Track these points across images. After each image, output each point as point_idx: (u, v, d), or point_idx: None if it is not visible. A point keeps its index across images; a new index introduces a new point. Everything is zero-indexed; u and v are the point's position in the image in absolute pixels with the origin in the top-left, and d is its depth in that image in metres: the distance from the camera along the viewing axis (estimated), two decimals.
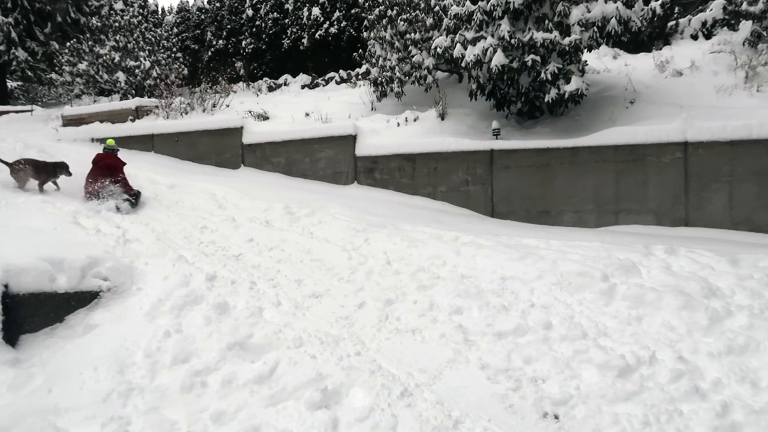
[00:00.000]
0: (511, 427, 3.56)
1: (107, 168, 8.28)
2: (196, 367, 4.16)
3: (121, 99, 14.48)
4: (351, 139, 10.29)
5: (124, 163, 8.59)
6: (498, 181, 8.96)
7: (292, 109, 12.63)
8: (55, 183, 8.22)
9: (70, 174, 8.22)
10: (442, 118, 10.46)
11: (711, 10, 11.13)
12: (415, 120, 10.69)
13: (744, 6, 9.97)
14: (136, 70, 14.93)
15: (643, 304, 4.91)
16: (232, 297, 5.29)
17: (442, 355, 4.36)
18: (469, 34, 9.39)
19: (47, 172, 8.07)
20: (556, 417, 3.66)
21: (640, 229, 7.78)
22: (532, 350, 4.36)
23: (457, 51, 9.38)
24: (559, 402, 3.78)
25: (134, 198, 8.10)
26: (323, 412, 3.65)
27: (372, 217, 7.94)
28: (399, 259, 6.31)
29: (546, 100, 8.96)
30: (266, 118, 12.08)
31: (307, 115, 12.06)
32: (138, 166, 10.24)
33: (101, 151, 8.87)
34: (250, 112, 12.20)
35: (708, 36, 11.10)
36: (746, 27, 9.90)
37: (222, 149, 11.43)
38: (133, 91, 14.88)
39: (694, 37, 11.36)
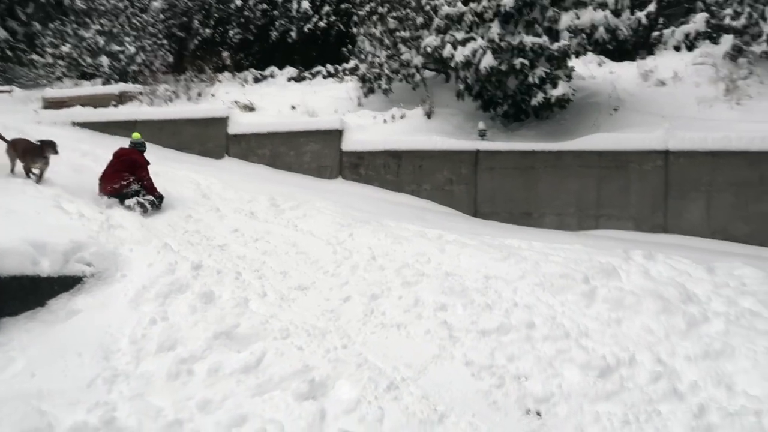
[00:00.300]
0: (495, 423, 3.63)
1: (130, 164, 7.51)
2: (182, 355, 4.15)
3: (103, 84, 14.21)
4: (337, 134, 10.30)
5: (149, 162, 7.81)
6: (482, 181, 9.06)
7: (279, 101, 12.57)
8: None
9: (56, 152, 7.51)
10: (429, 117, 10.52)
11: (694, 22, 11.39)
12: (401, 117, 10.73)
13: (726, 20, 10.22)
14: (121, 55, 14.68)
15: (622, 307, 5.03)
16: (218, 287, 5.28)
17: (427, 351, 4.41)
18: (459, 35, 9.47)
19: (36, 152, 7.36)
20: (539, 414, 3.74)
21: (620, 234, 7.94)
22: (516, 348, 4.43)
23: (447, 51, 9.45)
24: (542, 399, 3.86)
25: (158, 200, 7.47)
26: (310, 403, 3.68)
27: (356, 213, 7.96)
28: (384, 254, 6.34)
29: (533, 103, 9.09)
30: (252, 109, 12.01)
31: (294, 108, 12.01)
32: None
33: (126, 146, 7.97)
34: (236, 102, 12.11)
35: (690, 48, 11.35)
36: (727, 41, 10.15)
37: (206, 139, 11.34)
38: (117, 77, 14.62)
39: (677, 49, 11.61)
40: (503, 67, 8.97)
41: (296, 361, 4.11)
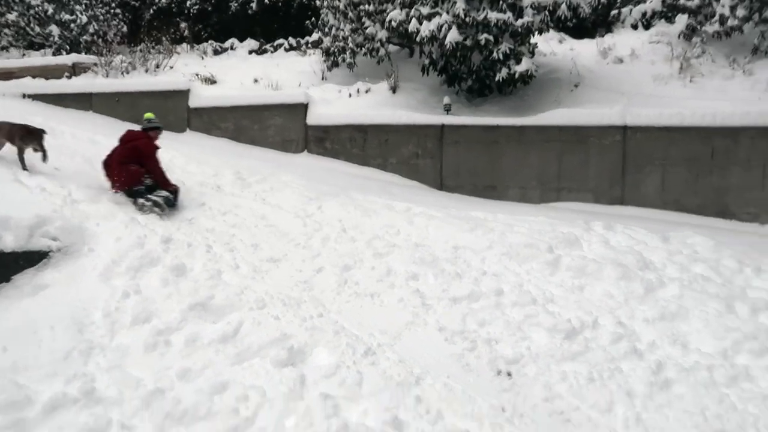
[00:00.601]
0: (469, 383, 3.79)
1: (133, 151, 6.47)
2: (158, 326, 4.15)
3: (54, 54, 13.61)
4: (302, 108, 10.22)
5: (157, 147, 6.78)
6: (447, 155, 9.18)
7: (240, 74, 12.33)
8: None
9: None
10: (394, 92, 10.54)
11: (651, 1, 11.68)
12: (366, 92, 10.72)
13: (681, 0, 10.54)
14: (72, 25, 14.06)
15: (585, 274, 5.27)
16: (189, 259, 5.25)
17: (401, 318, 4.54)
18: (425, 10, 9.47)
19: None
20: (509, 374, 3.92)
21: (581, 206, 8.22)
22: (486, 314, 4.61)
23: (413, 26, 9.45)
24: (512, 361, 4.04)
25: (174, 196, 6.54)
26: (290, 369, 3.76)
27: (324, 186, 7.99)
28: (354, 227, 6.42)
29: (497, 79, 9.22)
30: (213, 82, 11.75)
31: (256, 81, 11.82)
32: (76, 126, 9.78)
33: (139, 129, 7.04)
34: (196, 75, 11.82)
35: (647, 26, 11.66)
36: (682, 20, 10.48)
37: (166, 112, 11.01)
38: (68, 47, 14.01)
39: (635, 27, 11.91)
40: (468, 43, 9.04)
41: (274, 330, 4.17)
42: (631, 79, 9.60)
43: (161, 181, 6.54)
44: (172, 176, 7.86)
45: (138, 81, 11.78)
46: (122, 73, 12.35)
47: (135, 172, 6.37)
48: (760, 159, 7.50)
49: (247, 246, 5.80)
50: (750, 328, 4.28)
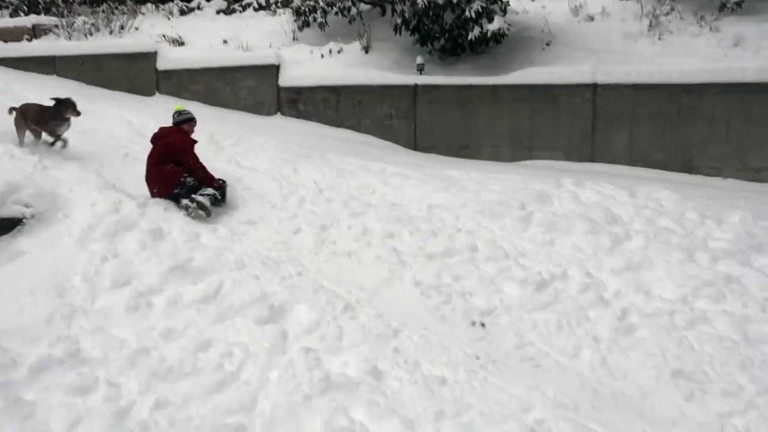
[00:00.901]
0: (445, 334, 3.96)
1: (166, 149, 5.80)
2: (138, 289, 4.20)
3: (12, 16, 13.08)
4: (274, 69, 10.08)
5: (195, 141, 6.13)
6: (421, 115, 9.22)
7: (209, 35, 12.02)
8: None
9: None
10: (366, 51, 10.44)
11: None
12: (339, 52, 10.59)
13: None
14: None
15: (555, 229, 5.44)
16: (166, 224, 5.27)
17: (378, 275, 4.67)
18: None
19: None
20: (483, 325, 4.10)
21: (552, 164, 8.39)
22: (460, 269, 4.76)
23: None
24: (486, 312, 4.22)
25: (220, 192, 5.89)
26: (272, 326, 3.87)
27: (298, 148, 7.99)
28: (329, 188, 6.48)
29: (469, 38, 9.19)
30: (182, 43, 11.46)
31: (226, 42, 11.55)
32: (40, 92, 9.51)
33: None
34: (163, 36, 11.50)
35: None
36: None
37: (134, 75, 10.80)
38: (26, 8, 13.46)
39: None
40: (440, 1, 8.97)
41: (254, 289, 4.26)
42: (602, 36, 9.66)
43: (204, 178, 5.83)
44: (143, 141, 7.79)
45: (103, 43, 11.44)
46: (85, 35, 11.95)
47: (171, 173, 5.72)
48: (724, 115, 7.71)
49: (224, 208, 5.82)
50: (709, 276, 4.51)
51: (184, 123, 6.13)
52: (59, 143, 6.72)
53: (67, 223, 5.07)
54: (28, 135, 6.69)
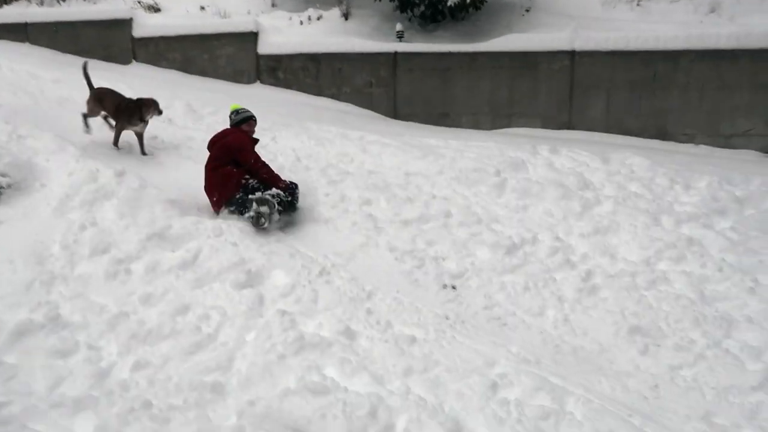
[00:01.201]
0: (417, 296, 4.11)
1: (223, 151, 5.19)
2: (117, 256, 4.27)
3: None
4: (252, 37, 9.97)
5: (256, 140, 5.53)
6: (401, 83, 9.23)
7: (185, 1, 11.83)
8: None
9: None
10: (346, 18, 10.36)
11: None
12: (318, 18, 10.49)
13: None
14: None
15: (529, 195, 5.58)
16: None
17: (354, 241, 4.78)
18: None
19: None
20: (454, 287, 4.25)
21: (530, 131, 8.49)
22: (434, 234, 4.89)
23: None
24: (457, 275, 4.37)
25: (288, 194, 5.08)
26: (249, 290, 3.98)
27: (277, 117, 7.98)
28: (308, 156, 6.54)
29: (448, 4, 9.16)
30: (157, 10, 11.25)
31: (203, 8, 11.36)
32: (12, 59, 9.38)
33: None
34: (138, 2, 11.29)
35: None
36: None
37: (109, 43, 10.61)
38: None
39: None
40: None
41: (232, 256, 4.35)
42: (581, 2, 9.66)
43: (269, 179, 5.10)
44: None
45: (77, 10, 11.18)
46: (58, 1, 11.68)
47: (229, 174, 5.06)
48: (698, 82, 7.82)
49: (201, 178, 5.86)
50: (672, 238, 4.70)
51: (242, 123, 5.53)
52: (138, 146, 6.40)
53: (44, 192, 5.09)
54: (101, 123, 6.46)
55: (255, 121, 5.63)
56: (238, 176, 5.07)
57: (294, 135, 7.14)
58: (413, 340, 3.56)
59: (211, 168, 5.21)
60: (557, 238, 4.84)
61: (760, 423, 2.98)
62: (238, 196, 4.99)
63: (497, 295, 4.12)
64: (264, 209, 4.77)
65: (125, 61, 10.55)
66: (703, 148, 7.69)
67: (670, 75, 7.95)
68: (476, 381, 3.13)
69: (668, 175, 6.03)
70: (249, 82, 10.02)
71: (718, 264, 4.36)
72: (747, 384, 3.22)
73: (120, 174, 5.51)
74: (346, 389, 3.07)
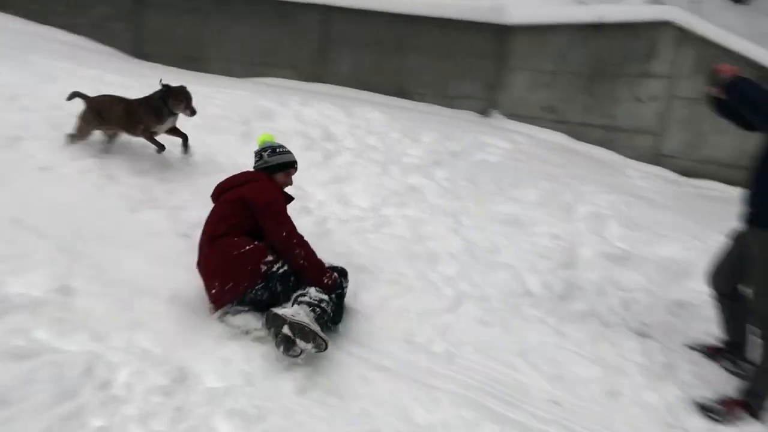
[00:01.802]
0: (155, 245, 4.00)
1: (234, 207, 3.39)
2: None
3: None
4: None
5: (290, 197, 3.80)
6: (147, 20, 8.54)
7: None
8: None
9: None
10: None
11: None
12: None
13: None
14: None
15: None
16: None
17: (80, 191, 4.41)
18: None
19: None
20: (188, 236, 4.21)
21: (283, 82, 8.58)
22: (175, 185, 4.75)
23: None
24: (195, 225, 4.31)
25: (336, 296, 3.35)
26: None
27: None
28: (27, 94, 5.74)
29: None
30: None
31: None
32: None
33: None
34: None
35: None
36: None
37: None
38: None
39: None
40: None
41: None
42: None
43: (308, 266, 3.35)
44: None
45: None
46: None
47: (245, 253, 3.22)
48: (432, 46, 8.67)
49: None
50: (397, 187, 5.30)
51: (279, 169, 3.75)
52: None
53: None
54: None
55: (296, 168, 3.89)
56: (260, 255, 3.25)
57: (13, 69, 6.18)
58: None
59: (209, 237, 3.39)
60: (299, 187, 5.06)
61: (448, 338, 3.62)
62: (258, 287, 3.21)
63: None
64: (312, 346, 2.93)
65: None
66: (433, 107, 8.63)
67: (409, 38, 8.66)
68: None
69: (401, 130, 6.70)
70: None
71: (432, 208, 5.06)
72: (441, 307, 3.87)
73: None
74: (58, 350, 2.88)
